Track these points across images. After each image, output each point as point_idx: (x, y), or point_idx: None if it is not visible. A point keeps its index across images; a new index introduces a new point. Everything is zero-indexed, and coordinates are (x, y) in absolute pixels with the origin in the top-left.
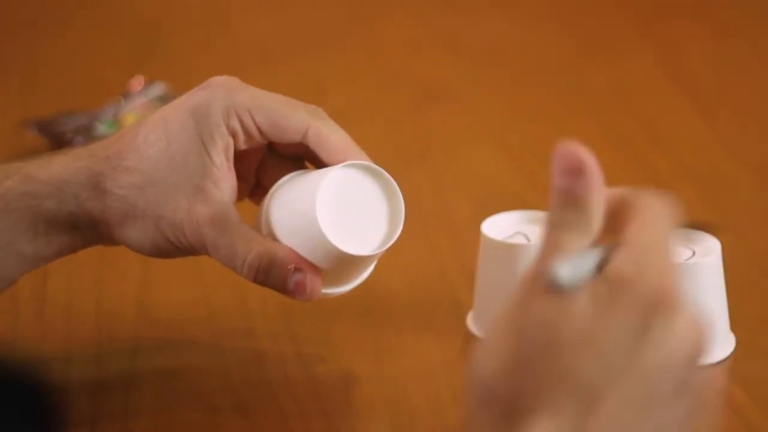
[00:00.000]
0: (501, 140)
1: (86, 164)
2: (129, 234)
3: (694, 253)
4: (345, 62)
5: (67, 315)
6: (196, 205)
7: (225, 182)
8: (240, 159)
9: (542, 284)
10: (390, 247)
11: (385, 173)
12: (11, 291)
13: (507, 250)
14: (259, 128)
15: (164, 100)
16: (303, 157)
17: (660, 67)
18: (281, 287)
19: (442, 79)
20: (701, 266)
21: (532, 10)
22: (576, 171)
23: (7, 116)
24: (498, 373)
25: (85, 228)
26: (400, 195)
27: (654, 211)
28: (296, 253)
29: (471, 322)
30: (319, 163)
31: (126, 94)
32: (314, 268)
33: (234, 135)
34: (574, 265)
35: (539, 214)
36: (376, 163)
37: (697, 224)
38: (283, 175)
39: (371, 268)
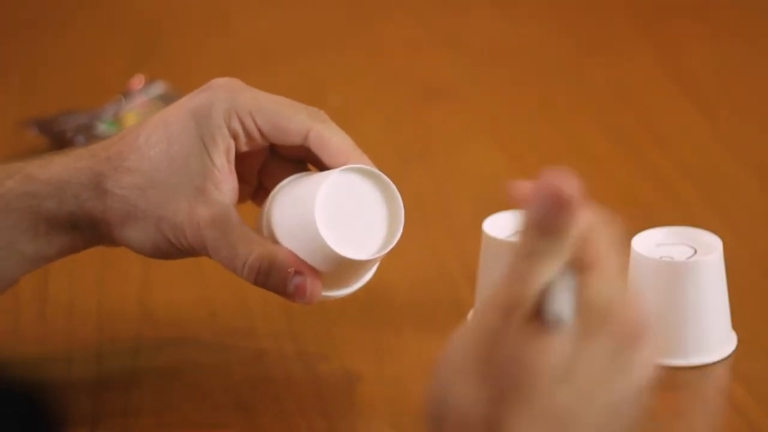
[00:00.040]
0: (501, 139)
1: (87, 164)
2: (130, 235)
3: (695, 252)
4: (345, 62)
5: (68, 315)
6: (197, 206)
7: (226, 184)
8: (242, 161)
9: (519, 316)
10: (389, 251)
11: (385, 177)
12: (13, 291)
13: (509, 249)
14: (260, 130)
15: (164, 98)
16: (305, 160)
17: (660, 66)
18: (281, 290)
19: (442, 79)
20: (703, 265)
21: (532, 10)
22: (561, 204)
23: (8, 116)
24: (475, 403)
25: (85, 228)
26: (400, 199)
27: (604, 234)
28: (296, 256)
29: None
30: (321, 166)
31: (126, 93)
32: (314, 272)
33: (235, 137)
34: (567, 301)
35: None
36: (377, 167)
37: None
38: (284, 177)
39: (373, 271)
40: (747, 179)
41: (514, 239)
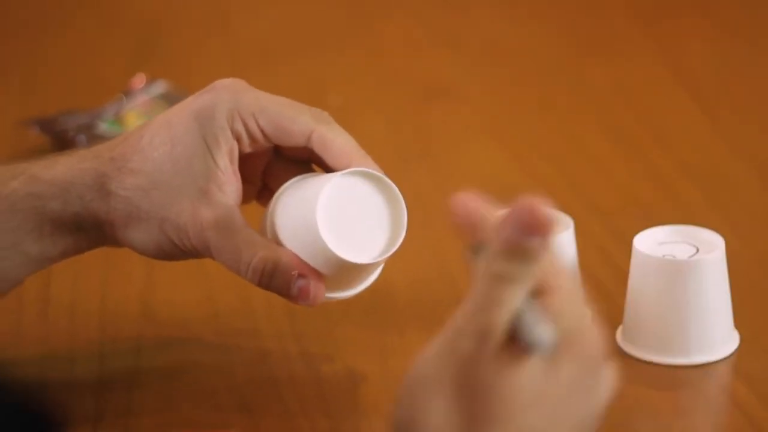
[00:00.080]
0: (502, 139)
1: (91, 165)
2: (133, 236)
3: (697, 250)
4: (345, 62)
5: (71, 315)
6: (201, 208)
7: (229, 186)
8: (246, 162)
9: (493, 343)
10: (392, 255)
11: (388, 180)
12: (16, 291)
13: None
14: (263, 132)
15: (166, 98)
16: (309, 160)
17: (661, 65)
18: (285, 292)
19: (442, 78)
20: (705, 263)
21: (532, 9)
22: (535, 229)
23: (8, 116)
24: (449, 427)
25: (90, 229)
26: (403, 202)
27: (556, 259)
28: (300, 259)
29: None
30: (324, 167)
31: (128, 92)
32: (318, 274)
33: (238, 138)
34: (545, 326)
35: None
36: (380, 169)
37: None
38: (289, 178)
39: (377, 273)
40: (748, 178)
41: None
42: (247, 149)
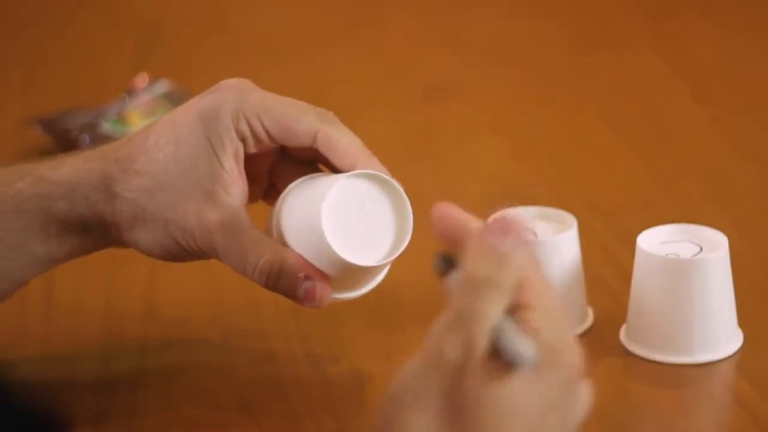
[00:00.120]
0: (504, 136)
1: (97, 166)
2: (139, 237)
3: (701, 249)
4: (346, 60)
5: (75, 314)
6: (206, 210)
7: (235, 187)
8: (252, 161)
9: (479, 356)
10: (397, 257)
11: (394, 182)
12: (20, 291)
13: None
14: (268, 132)
15: (168, 97)
16: (315, 160)
17: (665, 61)
18: (291, 294)
19: (443, 76)
20: (708, 262)
21: (533, 7)
22: (508, 234)
23: (9, 115)
24: None
25: (96, 230)
26: (408, 204)
27: (538, 274)
28: (306, 261)
29: None
30: (330, 166)
31: (130, 92)
32: (324, 276)
33: (243, 139)
34: (526, 341)
35: (546, 211)
36: (387, 170)
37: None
38: (295, 177)
39: (384, 274)
40: (752, 176)
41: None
42: (252, 150)
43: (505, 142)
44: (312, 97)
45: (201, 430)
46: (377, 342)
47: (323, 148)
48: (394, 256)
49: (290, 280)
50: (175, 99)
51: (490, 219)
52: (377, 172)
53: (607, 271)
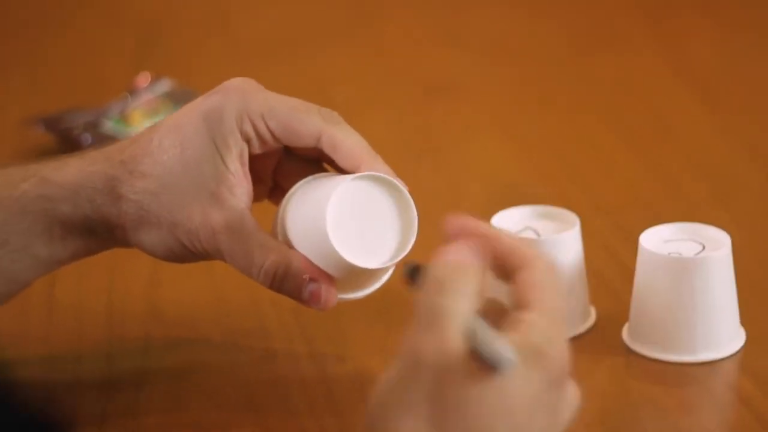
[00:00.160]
0: (505, 135)
1: (101, 168)
2: (144, 239)
3: (703, 248)
4: (346, 60)
5: (77, 314)
6: (212, 212)
7: (240, 188)
8: (256, 161)
9: (453, 356)
10: (402, 259)
11: (399, 184)
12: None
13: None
14: (272, 133)
15: (171, 96)
16: (320, 159)
17: (665, 61)
18: (296, 296)
19: (444, 75)
20: (711, 260)
21: (534, 6)
22: (469, 232)
23: (11, 115)
24: None
25: (100, 232)
26: (413, 205)
27: (548, 277)
28: (311, 263)
29: None
30: (335, 167)
31: (132, 91)
32: (329, 278)
33: (248, 140)
34: (506, 345)
35: (548, 209)
36: (392, 170)
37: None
38: (300, 176)
39: (389, 274)
40: (754, 175)
41: (522, 235)
42: (257, 150)
43: (506, 142)
44: (312, 97)
45: (204, 429)
46: (380, 341)
47: (328, 149)
48: (399, 258)
49: (295, 283)
50: (177, 98)
51: (448, 225)
52: (382, 174)
53: (610, 269)
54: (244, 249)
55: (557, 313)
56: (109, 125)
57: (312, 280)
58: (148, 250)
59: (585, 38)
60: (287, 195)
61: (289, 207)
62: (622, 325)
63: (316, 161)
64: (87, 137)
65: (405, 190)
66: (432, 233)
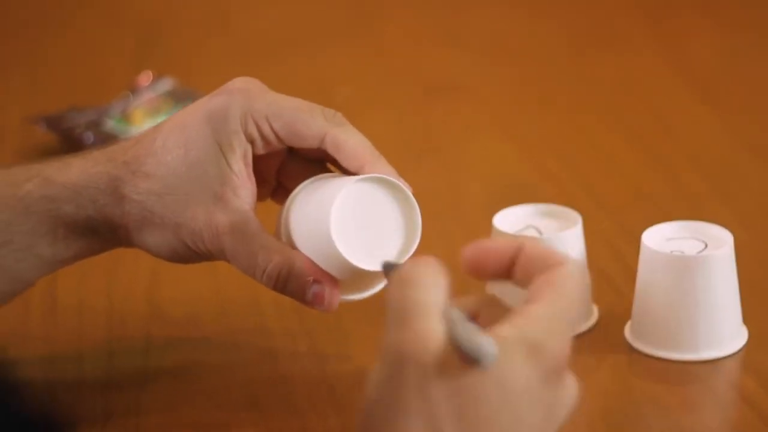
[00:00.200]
0: (507, 135)
1: (105, 169)
2: (147, 239)
3: (706, 246)
4: (347, 59)
5: (78, 314)
6: (216, 213)
7: (244, 189)
8: (260, 162)
9: (435, 348)
10: (406, 261)
11: (403, 186)
12: None
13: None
14: (276, 134)
15: (172, 95)
16: (323, 160)
17: (665, 61)
18: (300, 298)
19: (445, 75)
20: (714, 259)
21: (535, 6)
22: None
23: (11, 114)
24: None
25: (104, 232)
26: (417, 207)
27: (569, 279)
28: (314, 264)
29: None
30: (339, 167)
31: (134, 90)
32: (332, 280)
33: (252, 141)
34: (486, 339)
35: (550, 208)
36: (395, 172)
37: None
38: (304, 177)
39: None
40: (757, 172)
41: (524, 234)
42: (261, 151)
43: (506, 142)
44: (312, 97)
45: (206, 428)
46: (380, 338)
47: (332, 150)
48: (403, 260)
49: (299, 284)
50: (178, 97)
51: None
52: (386, 176)
53: (612, 268)
54: (247, 250)
55: (564, 312)
56: (111, 124)
57: (315, 281)
58: (152, 250)
59: (585, 38)
60: (291, 196)
61: (293, 208)
62: (624, 323)
63: (319, 161)
64: (89, 136)
65: (409, 192)
66: (432, 233)
